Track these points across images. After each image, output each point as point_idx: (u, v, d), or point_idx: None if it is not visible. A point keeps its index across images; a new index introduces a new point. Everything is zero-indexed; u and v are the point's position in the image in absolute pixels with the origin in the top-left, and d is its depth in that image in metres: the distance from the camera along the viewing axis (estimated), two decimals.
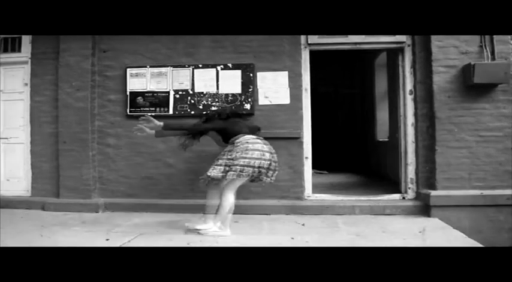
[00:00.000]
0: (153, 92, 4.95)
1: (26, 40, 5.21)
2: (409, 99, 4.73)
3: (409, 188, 4.72)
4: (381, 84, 7.86)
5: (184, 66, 4.91)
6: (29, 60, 5.18)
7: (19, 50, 5.25)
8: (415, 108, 4.67)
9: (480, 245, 3.29)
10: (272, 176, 3.70)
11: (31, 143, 5.19)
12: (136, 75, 4.97)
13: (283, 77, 4.79)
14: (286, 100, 4.79)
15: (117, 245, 3.38)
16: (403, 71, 4.80)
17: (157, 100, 4.94)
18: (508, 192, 4.31)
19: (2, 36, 5.24)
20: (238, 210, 4.62)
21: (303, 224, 4.15)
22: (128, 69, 4.98)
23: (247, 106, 4.80)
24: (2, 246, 3.23)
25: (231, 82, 4.83)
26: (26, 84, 5.22)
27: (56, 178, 5.06)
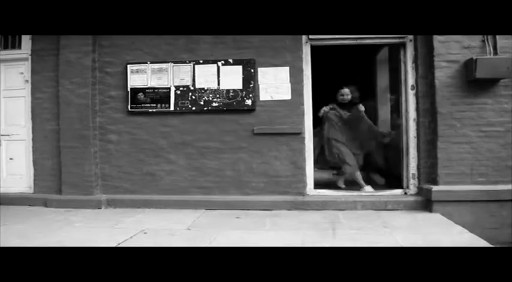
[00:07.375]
0: (154, 88, 4.94)
1: (26, 37, 5.18)
2: (411, 94, 4.71)
3: (411, 184, 4.71)
4: (382, 79, 7.81)
5: (185, 62, 4.90)
6: (29, 57, 5.16)
7: (19, 47, 5.23)
8: (417, 103, 4.65)
9: (483, 241, 3.29)
10: None
11: (32, 139, 5.19)
12: (137, 71, 4.95)
13: (284, 72, 4.77)
14: (288, 95, 4.78)
15: (120, 240, 3.41)
16: (405, 66, 4.77)
17: (158, 96, 4.93)
18: (510, 187, 4.30)
19: None
20: (240, 205, 4.67)
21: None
22: (128, 66, 4.96)
23: (249, 102, 4.78)
24: (5, 244, 3.25)
25: (232, 78, 4.82)
26: (27, 81, 5.21)
27: (58, 175, 5.07)
